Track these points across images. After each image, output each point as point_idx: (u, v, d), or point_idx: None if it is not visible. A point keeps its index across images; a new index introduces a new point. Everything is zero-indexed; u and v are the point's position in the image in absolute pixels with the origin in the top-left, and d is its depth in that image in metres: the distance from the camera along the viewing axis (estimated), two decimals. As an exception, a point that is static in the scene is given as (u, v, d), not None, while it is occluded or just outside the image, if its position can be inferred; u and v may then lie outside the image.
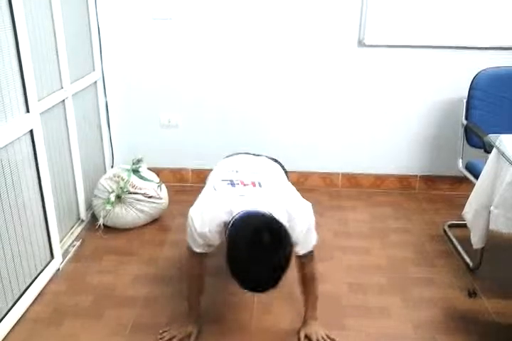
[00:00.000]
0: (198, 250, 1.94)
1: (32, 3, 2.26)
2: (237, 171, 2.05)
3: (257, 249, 1.62)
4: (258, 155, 2.39)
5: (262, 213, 1.75)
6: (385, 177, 3.47)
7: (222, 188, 1.93)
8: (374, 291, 2.41)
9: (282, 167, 2.40)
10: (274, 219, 1.73)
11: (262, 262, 1.63)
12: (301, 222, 1.86)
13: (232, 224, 1.74)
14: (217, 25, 3.13)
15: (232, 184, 1.93)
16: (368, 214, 3.18)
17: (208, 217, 1.84)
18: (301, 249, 1.90)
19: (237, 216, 1.75)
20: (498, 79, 2.82)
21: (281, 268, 1.66)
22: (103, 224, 2.85)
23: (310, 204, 1.96)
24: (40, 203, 2.37)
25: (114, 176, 2.91)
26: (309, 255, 1.97)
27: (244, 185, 1.92)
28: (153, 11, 3.11)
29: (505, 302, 2.34)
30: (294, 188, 2.08)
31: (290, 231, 1.75)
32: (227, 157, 2.41)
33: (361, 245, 2.81)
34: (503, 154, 2.12)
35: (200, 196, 1.99)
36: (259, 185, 1.92)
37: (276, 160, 2.41)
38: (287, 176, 2.34)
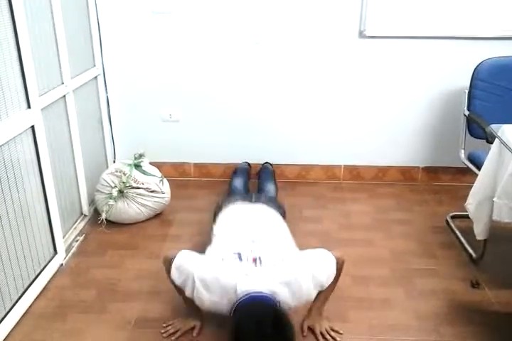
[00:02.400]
0: (188, 295, 1.93)
1: (31, -2, 2.26)
2: (245, 240, 2.08)
3: (261, 339, 1.68)
4: (255, 203, 2.47)
5: (265, 300, 1.78)
6: (387, 169, 3.46)
7: (230, 261, 1.95)
8: (377, 283, 2.42)
9: (281, 207, 2.51)
10: (276, 306, 1.78)
11: None
12: (304, 285, 1.87)
13: (237, 311, 1.78)
14: (217, 19, 3.11)
15: (240, 257, 1.95)
16: (370, 206, 3.18)
17: (212, 288, 1.85)
18: (324, 286, 1.94)
19: (241, 300, 1.79)
20: (500, 70, 2.81)
21: None
22: (106, 219, 2.85)
23: (324, 253, 1.99)
24: (42, 199, 2.38)
25: (116, 171, 2.91)
26: (333, 283, 1.99)
27: (249, 260, 1.95)
28: (153, 5, 3.09)
29: (508, 293, 2.34)
30: (295, 248, 2.11)
31: (303, 296, 1.86)
32: (225, 204, 2.48)
33: (364, 237, 2.81)
34: (505, 144, 2.12)
35: (208, 259, 1.99)
36: (260, 262, 1.93)
37: (272, 202, 2.50)
38: (285, 217, 2.45)
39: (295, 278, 1.86)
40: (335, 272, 1.96)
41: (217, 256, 2.01)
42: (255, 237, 2.09)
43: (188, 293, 1.90)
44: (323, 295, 2.03)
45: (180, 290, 2.00)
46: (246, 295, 1.79)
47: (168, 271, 1.96)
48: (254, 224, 2.24)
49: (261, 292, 1.80)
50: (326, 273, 1.93)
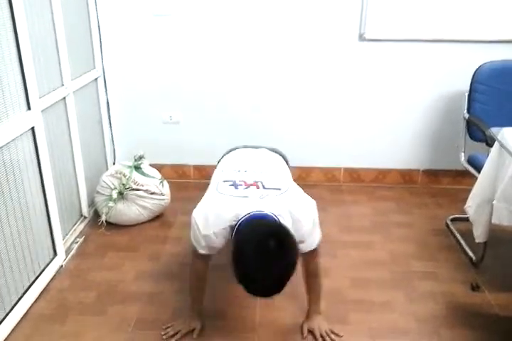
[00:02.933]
0: (202, 252, 1.94)
1: (32, 0, 2.25)
2: (239, 170, 2.06)
3: (263, 256, 1.64)
4: (258, 148, 2.38)
5: (268, 218, 1.76)
6: (387, 172, 3.47)
7: (225, 190, 1.93)
8: (377, 285, 2.42)
9: (283, 156, 2.40)
10: (280, 224, 1.75)
11: (268, 269, 1.65)
12: (305, 223, 1.86)
13: (238, 229, 1.75)
14: (218, 21, 3.12)
15: (235, 185, 1.93)
16: (370, 208, 3.18)
17: (213, 219, 1.84)
18: (305, 247, 1.91)
19: (242, 219, 1.76)
20: (499, 73, 2.81)
21: (287, 275, 1.68)
22: (105, 221, 2.85)
23: (313, 201, 1.96)
24: (42, 200, 2.38)
25: (116, 173, 2.91)
26: (313, 252, 1.98)
27: (247, 186, 1.93)
28: (153, 7, 3.10)
29: (508, 296, 2.34)
30: (295, 185, 2.08)
31: (295, 231, 1.76)
32: (227, 152, 2.41)
33: (364, 239, 2.81)
34: (505, 147, 2.12)
35: (204, 198, 1.98)
36: (263, 186, 1.92)
37: (276, 151, 2.41)
38: (289, 166, 2.34)
39: (300, 206, 1.84)
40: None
41: (212, 189, 1.97)
42: (254, 168, 2.06)
43: (199, 245, 1.88)
44: (315, 288, 2.04)
45: (195, 277, 2.02)
46: (246, 214, 1.76)
47: (193, 251, 1.96)
48: (255, 160, 2.20)
49: (263, 211, 1.76)
50: (319, 234, 1.94)
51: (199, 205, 1.93)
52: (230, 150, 2.43)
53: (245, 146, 2.43)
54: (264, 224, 1.74)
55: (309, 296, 2.10)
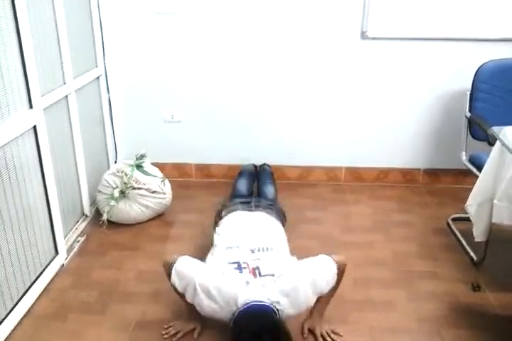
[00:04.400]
0: (189, 301, 1.95)
1: (34, -1, 2.26)
2: (237, 246, 2.12)
3: None
4: (254, 211, 2.46)
5: (266, 310, 1.80)
6: (388, 171, 3.46)
7: (230, 273, 1.97)
8: (378, 285, 2.42)
9: (281, 212, 2.53)
10: (276, 319, 1.80)
11: None
12: (304, 298, 1.88)
13: (236, 320, 1.80)
14: (219, 19, 3.12)
15: (240, 268, 1.98)
16: (371, 208, 3.18)
17: (214, 298, 1.86)
18: (325, 292, 1.95)
19: (241, 309, 1.80)
20: (502, 71, 2.81)
21: None
22: (107, 220, 2.86)
23: (317, 259, 1.99)
24: (44, 199, 2.38)
25: (118, 171, 2.91)
26: (335, 285, 1.99)
27: (249, 271, 1.97)
28: (155, 6, 3.10)
29: (509, 296, 2.34)
30: (289, 256, 2.13)
31: (299, 306, 1.87)
32: (226, 208, 2.51)
33: (365, 239, 2.81)
34: (506, 146, 2.11)
35: (207, 271, 1.98)
36: (259, 274, 1.95)
37: (274, 208, 2.52)
38: (285, 224, 2.47)
39: (294, 288, 1.87)
40: (335, 277, 1.95)
41: (218, 266, 2.02)
42: (254, 247, 2.11)
43: (188, 298, 1.92)
44: (324, 299, 2.03)
45: (180, 294, 2.00)
46: (246, 304, 1.80)
47: (169, 275, 1.97)
48: (253, 234, 2.25)
49: (261, 301, 1.81)
50: (326, 279, 1.93)
51: (206, 277, 1.91)
52: (228, 209, 2.49)
53: (242, 207, 2.50)
54: (260, 317, 1.79)
55: (318, 298, 2.08)
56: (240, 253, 2.08)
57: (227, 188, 3.10)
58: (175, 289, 1.99)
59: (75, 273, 2.50)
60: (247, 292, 1.85)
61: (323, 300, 2.04)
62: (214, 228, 2.42)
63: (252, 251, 2.08)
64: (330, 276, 1.94)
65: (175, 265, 1.94)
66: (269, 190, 2.96)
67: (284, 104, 3.31)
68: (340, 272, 1.98)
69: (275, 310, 1.82)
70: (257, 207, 2.51)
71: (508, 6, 2.99)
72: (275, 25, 3.11)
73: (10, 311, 2.10)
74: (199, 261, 2.02)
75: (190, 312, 2.09)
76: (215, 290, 1.85)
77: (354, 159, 3.44)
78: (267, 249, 2.12)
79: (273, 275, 1.94)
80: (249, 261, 2.01)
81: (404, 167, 3.45)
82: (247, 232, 2.27)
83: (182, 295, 1.98)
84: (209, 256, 2.14)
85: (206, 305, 1.86)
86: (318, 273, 1.93)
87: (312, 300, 1.92)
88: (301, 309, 1.91)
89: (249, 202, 2.56)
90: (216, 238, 2.27)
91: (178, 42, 3.18)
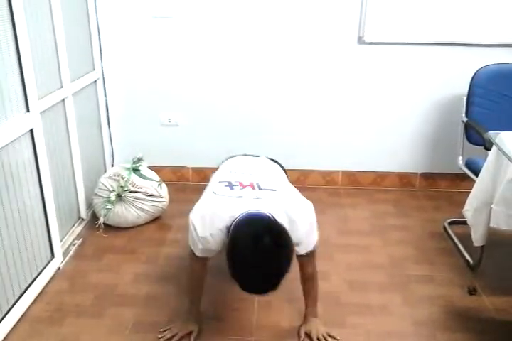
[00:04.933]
0: (199, 254, 1.94)
1: (31, 2, 2.26)
2: (235, 172, 2.06)
3: (258, 253, 1.63)
4: (257, 156, 2.39)
5: (263, 216, 1.75)
6: (385, 175, 3.47)
7: (221, 191, 1.92)
8: (374, 289, 2.42)
9: (282, 167, 2.41)
10: (276, 222, 1.74)
11: (263, 266, 1.64)
12: (301, 224, 1.86)
13: (233, 227, 1.74)
14: (217, 24, 3.12)
15: (231, 186, 1.92)
16: (368, 211, 3.18)
17: (209, 220, 1.84)
18: (302, 249, 1.91)
19: (238, 218, 1.75)
20: (498, 76, 2.82)
21: (282, 272, 1.67)
22: (103, 223, 2.85)
23: (311, 203, 1.96)
24: (40, 202, 2.38)
25: (115, 175, 2.91)
26: (310, 254, 1.97)
27: (243, 186, 1.92)
28: (153, 10, 3.10)
29: (505, 300, 2.34)
30: (293, 188, 2.08)
31: (291, 232, 1.75)
32: (226, 159, 2.41)
33: (361, 243, 2.81)
34: (502, 151, 2.12)
35: (200, 200, 1.98)
36: (258, 187, 1.91)
37: (275, 161, 2.42)
38: (287, 176, 2.34)
39: (297, 212, 1.83)
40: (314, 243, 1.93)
41: (208, 191, 1.97)
42: (251, 171, 2.05)
43: (197, 242, 1.87)
44: (311, 291, 2.03)
45: (194, 277, 2.02)
46: (242, 213, 1.75)
47: (190, 253, 1.96)
48: (252, 164, 2.20)
49: (259, 211, 1.76)
50: (316, 236, 1.92)
51: (195, 207, 1.93)
52: (229, 157, 2.44)
53: (245, 155, 2.44)
54: (260, 221, 1.73)
55: (306, 299, 2.10)
56: (231, 175, 2.01)
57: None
58: (193, 275, 2.02)
59: (71, 277, 2.49)
60: (242, 205, 1.79)
61: (310, 300, 2.05)
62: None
63: (250, 173, 2.01)
64: (315, 233, 1.93)
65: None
66: None
67: (281, 107, 3.32)
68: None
69: (272, 217, 1.75)
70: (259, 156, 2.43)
71: (504, 12, 3.01)
72: (273, 30, 3.12)
73: (5, 314, 2.09)
74: None
75: (188, 314, 2.10)
76: (211, 214, 1.82)
77: (351, 163, 3.45)
78: (266, 173, 2.08)
79: (274, 190, 1.88)
80: (242, 180, 1.93)
81: (401, 171, 3.46)
82: (244, 164, 2.21)
83: (194, 280, 2.01)
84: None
85: (208, 235, 1.82)
86: (314, 224, 1.91)
87: (306, 235, 1.86)
88: (294, 236, 1.77)
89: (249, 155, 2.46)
90: (212, 178, 2.18)
91: (176, 46, 3.19)
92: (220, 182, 1.99)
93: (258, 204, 1.81)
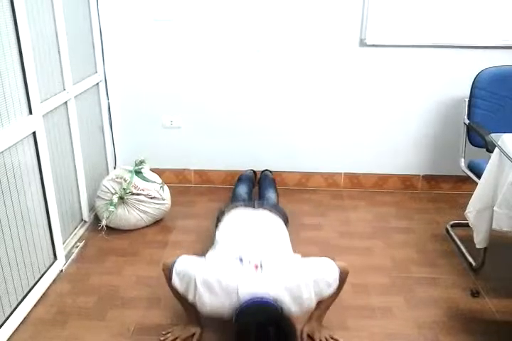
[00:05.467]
0: (191, 300, 1.93)
1: (34, 5, 2.27)
2: (243, 241, 2.11)
3: None
4: (257, 209, 2.45)
5: (267, 304, 1.78)
6: (387, 177, 3.47)
7: (232, 266, 1.94)
8: (377, 291, 2.41)
9: (283, 214, 2.50)
10: (278, 311, 1.77)
11: None
12: (306, 295, 1.87)
13: (237, 315, 1.78)
14: (219, 27, 3.13)
15: (241, 261, 1.94)
16: (370, 214, 3.18)
17: (219, 294, 1.84)
18: (326, 295, 1.94)
19: (243, 304, 1.78)
20: (500, 78, 2.82)
21: None
22: (106, 226, 2.85)
23: (326, 259, 1.99)
24: (43, 204, 2.38)
25: (117, 177, 2.92)
26: (338, 290, 1.98)
27: (251, 265, 1.94)
28: (154, 13, 3.11)
29: (508, 302, 2.33)
30: (292, 254, 2.12)
31: (300, 304, 1.84)
32: (228, 208, 2.49)
33: (364, 245, 2.81)
34: (505, 153, 2.12)
35: (208, 265, 1.97)
36: (261, 268, 1.92)
37: (276, 209, 2.50)
38: (287, 225, 2.44)
39: (297, 284, 1.85)
40: (337, 281, 1.94)
41: (219, 259, 2.01)
42: (257, 242, 2.09)
43: (190, 298, 1.89)
44: (325, 303, 2.02)
45: (179, 297, 2.00)
46: (248, 299, 1.78)
47: (169, 279, 1.95)
48: (256, 229, 2.24)
49: (263, 296, 1.79)
50: (327, 281, 1.92)
51: (206, 270, 1.90)
52: (231, 207, 2.49)
53: (245, 204, 2.51)
54: (263, 311, 1.77)
55: (318, 303, 2.08)
56: (242, 247, 2.05)
57: (227, 194, 3.10)
58: (175, 292, 1.98)
59: (73, 279, 2.49)
60: (248, 285, 1.82)
61: (323, 306, 2.04)
62: (216, 226, 2.42)
63: (255, 246, 2.05)
64: (331, 279, 1.93)
65: (175, 266, 1.93)
66: (271, 195, 2.96)
67: (283, 110, 3.32)
68: (342, 278, 1.97)
69: (278, 305, 1.79)
70: (260, 206, 2.50)
71: (506, 13, 3.01)
72: (274, 32, 3.13)
73: (8, 317, 2.09)
74: (198, 258, 2.00)
75: (190, 317, 2.10)
76: (216, 283, 1.83)
77: (353, 165, 3.45)
78: (270, 245, 2.10)
79: (276, 270, 1.91)
80: (251, 256, 1.97)
81: (404, 173, 3.45)
82: (250, 227, 2.25)
83: (181, 299, 1.97)
84: (210, 252, 2.12)
85: (208, 302, 1.84)
86: (320, 274, 1.92)
87: (314, 301, 1.90)
88: (302, 308, 1.88)
89: (252, 203, 2.56)
90: (218, 234, 2.26)
91: (178, 49, 3.20)
92: (231, 256, 1.98)
93: (262, 286, 1.83)
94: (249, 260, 1.94)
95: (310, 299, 1.88)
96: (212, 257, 2.06)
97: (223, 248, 2.11)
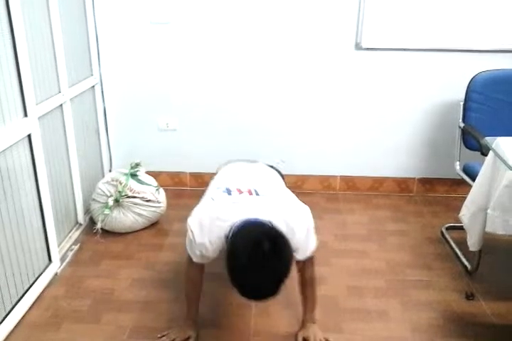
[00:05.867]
0: (196, 260, 1.94)
1: (30, 8, 2.26)
2: (233, 178, 2.07)
3: (258, 259, 1.63)
4: (254, 162, 2.39)
5: (262, 222, 1.76)
6: (382, 180, 3.47)
7: (219, 197, 1.93)
8: (372, 294, 2.41)
9: (279, 173, 2.41)
10: (274, 228, 1.75)
11: (263, 272, 1.64)
12: (299, 230, 1.86)
13: (232, 234, 1.74)
14: (215, 30, 3.13)
15: (229, 192, 1.93)
16: (366, 217, 3.19)
17: (208, 228, 1.84)
18: (301, 255, 1.91)
19: (236, 224, 1.76)
20: (494, 82, 2.83)
21: (282, 278, 1.67)
22: (101, 228, 2.85)
23: (308, 208, 1.96)
24: (38, 207, 2.38)
25: (112, 180, 2.91)
26: (309, 259, 1.98)
27: (241, 192, 1.93)
28: (151, 15, 3.11)
29: (503, 305, 2.34)
30: (291, 193, 2.09)
31: (289, 238, 1.75)
32: (224, 164, 2.41)
33: (359, 248, 2.81)
34: (499, 157, 2.13)
35: (198, 206, 1.98)
36: (256, 193, 1.92)
37: (272, 167, 2.43)
38: (284, 182, 2.35)
39: (295, 218, 1.83)
40: (314, 249, 1.94)
41: (207, 197, 1.98)
42: (248, 177, 2.06)
43: (194, 248, 1.88)
44: (310, 296, 2.03)
45: (191, 280, 2.03)
46: (244, 220, 1.75)
47: (187, 259, 1.96)
48: (249, 170, 2.21)
49: (257, 217, 1.76)
50: (314, 241, 1.92)
51: (194, 213, 1.93)
52: (227, 163, 2.44)
53: (243, 160, 2.44)
54: (258, 228, 1.74)
55: (305, 305, 2.09)
56: (230, 181, 2.02)
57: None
58: (189, 284, 2.03)
59: (68, 282, 2.49)
60: (240, 211, 1.80)
61: (309, 306, 2.05)
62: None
63: (247, 180, 2.02)
64: (314, 242, 1.93)
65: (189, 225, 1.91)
66: None
67: (279, 113, 3.33)
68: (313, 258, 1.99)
69: (271, 223, 1.76)
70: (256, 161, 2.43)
71: (501, 18, 3.03)
72: (270, 36, 3.13)
73: (2, 320, 2.08)
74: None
75: (186, 320, 2.09)
76: (208, 220, 1.82)
77: (349, 168, 3.45)
78: (264, 180, 2.08)
79: (271, 196, 1.88)
80: (240, 186, 1.94)
81: (399, 176, 3.46)
82: (242, 170, 2.22)
83: (192, 283, 2.02)
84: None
85: (206, 241, 1.82)
86: (311, 229, 1.91)
87: (302, 245, 1.86)
88: (292, 242, 1.76)
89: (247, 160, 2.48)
90: (211, 184, 2.19)
91: (174, 52, 3.20)
92: (218, 188, 1.99)
93: (256, 210, 1.82)
94: (237, 188, 1.91)
95: (299, 241, 1.84)
96: (201, 202, 2.01)
97: (211, 187, 2.07)
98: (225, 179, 2.11)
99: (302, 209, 1.94)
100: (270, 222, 1.76)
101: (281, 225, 1.80)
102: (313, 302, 2.08)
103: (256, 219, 1.76)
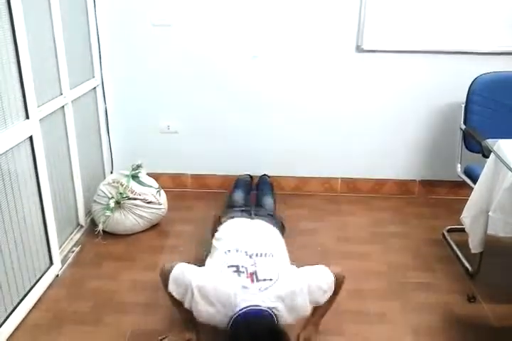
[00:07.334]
0: (187, 307, 1.92)
1: (32, 10, 2.26)
2: (237, 250, 2.10)
3: None
4: (253, 218, 2.44)
5: (264, 314, 1.79)
6: (384, 182, 3.47)
7: (229, 277, 1.94)
8: (373, 296, 2.41)
9: (280, 222, 2.50)
10: (275, 322, 1.79)
11: None
12: (302, 307, 1.88)
13: (233, 324, 1.79)
14: (216, 32, 3.14)
15: (238, 273, 1.95)
16: (367, 219, 3.18)
17: (215, 302, 1.84)
18: (322, 302, 1.94)
19: (238, 313, 1.79)
20: (496, 84, 2.83)
21: None
22: (102, 230, 2.85)
23: (322, 267, 2.00)
24: (39, 209, 2.38)
25: (114, 182, 2.91)
26: (332, 298, 1.99)
27: (248, 275, 1.94)
28: (152, 18, 3.12)
29: (505, 307, 2.33)
30: (287, 259, 2.14)
31: (297, 313, 1.86)
32: (226, 215, 2.48)
33: (360, 250, 2.81)
34: (501, 159, 2.13)
35: (206, 273, 1.97)
36: (256, 278, 1.93)
37: (271, 217, 2.50)
38: (284, 232, 2.45)
39: (290, 293, 1.86)
40: (332, 288, 1.95)
41: (216, 268, 2.01)
42: (252, 252, 2.09)
43: (186, 304, 1.89)
44: (321, 309, 2.03)
45: (176, 304, 1.99)
46: (244, 308, 1.79)
47: (166, 284, 1.95)
48: (252, 239, 2.24)
49: (258, 306, 1.80)
50: (322, 288, 1.92)
51: (203, 278, 1.91)
52: (228, 215, 2.48)
53: (242, 213, 2.49)
54: (259, 321, 1.78)
55: (316, 308, 2.07)
56: (239, 257, 2.06)
57: (223, 199, 3.10)
58: (172, 298, 1.97)
59: (69, 284, 2.49)
60: (244, 294, 1.83)
61: (319, 312, 2.04)
62: (212, 234, 2.41)
63: (251, 256, 2.06)
64: (326, 286, 1.93)
65: (172, 272, 1.93)
66: (268, 201, 2.95)
67: (280, 115, 3.33)
68: (338, 284, 1.98)
69: (273, 314, 1.80)
70: (257, 215, 2.50)
71: (502, 20, 3.03)
72: (272, 38, 3.14)
73: (3, 322, 2.08)
74: (196, 266, 2.00)
75: (186, 322, 2.09)
76: (213, 291, 1.83)
77: (350, 170, 3.45)
78: (266, 254, 2.10)
79: (270, 280, 1.92)
80: (247, 266, 1.99)
81: (400, 178, 3.46)
82: (247, 237, 2.26)
83: (178, 304, 1.97)
84: (208, 260, 2.13)
85: (204, 309, 1.84)
86: (314, 281, 1.92)
87: (308, 307, 1.90)
88: (298, 315, 1.89)
89: (249, 211, 2.54)
90: (215, 242, 2.25)
91: (175, 54, 3.20)
92: (229, 266, 1.99)
93: (257, 296, 1.84)
94: (244, 269, 1.96)
95: (305, 306, 1.88)
96: (210, 265, 2.07)
97: (220, 257, 2.11)
98: (232, 250, 2.13)
99: (299, 283, 1.91)
100: (272, 312, 1.81)
101: (281, 308, 1.83)
102: (325, 310, 2.07)
103: (258, 309, 1.80)
